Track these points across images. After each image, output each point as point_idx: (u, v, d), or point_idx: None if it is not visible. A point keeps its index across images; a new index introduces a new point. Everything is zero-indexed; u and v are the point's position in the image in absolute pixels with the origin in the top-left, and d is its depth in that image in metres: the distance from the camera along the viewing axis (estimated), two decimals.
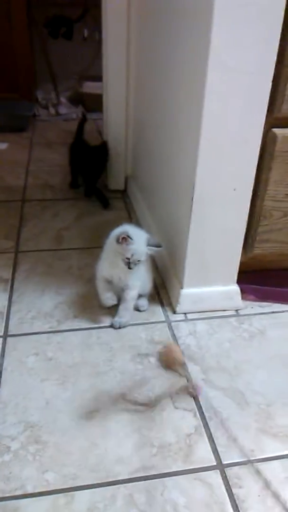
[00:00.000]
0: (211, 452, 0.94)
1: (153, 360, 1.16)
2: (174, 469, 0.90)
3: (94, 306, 1.33)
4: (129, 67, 1.75)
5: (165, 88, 1.37)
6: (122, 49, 1.71)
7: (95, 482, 0.87)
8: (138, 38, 1.66)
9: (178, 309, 1.30)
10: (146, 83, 1.62)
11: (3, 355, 1.15)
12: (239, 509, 0.84)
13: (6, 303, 1.33)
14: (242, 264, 1.29)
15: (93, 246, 1.61)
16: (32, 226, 1.74)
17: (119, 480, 0.88)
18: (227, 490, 0.87)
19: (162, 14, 1.33)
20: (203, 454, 0.94)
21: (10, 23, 2.71)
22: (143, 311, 1.32)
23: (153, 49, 1.48)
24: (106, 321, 1.28)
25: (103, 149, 1.89)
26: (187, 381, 1.09)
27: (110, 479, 0.88)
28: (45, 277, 1.46)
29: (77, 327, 1.26)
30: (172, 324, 1.28)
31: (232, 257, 1.27)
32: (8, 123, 2.65)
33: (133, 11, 1.64)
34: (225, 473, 0.90)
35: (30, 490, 0.86)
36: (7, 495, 0.85)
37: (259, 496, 0.86)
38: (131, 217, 1.84)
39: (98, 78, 2.97)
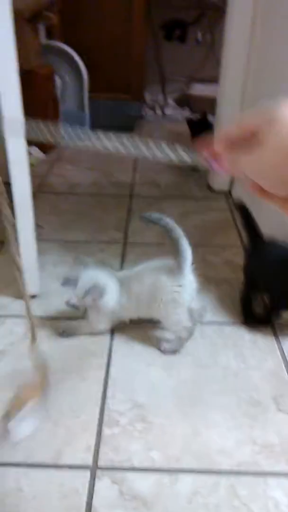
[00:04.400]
0: None
1: (254, 361, 1.16)
2: (277, 469, 0.90)
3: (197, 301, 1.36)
4: (248, 72, 1.76)
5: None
6: (243, 53, 1.72)
7: (198, 468, 0.91)
8: (261, 43, 1.66)
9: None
10: (265, 88, 1.61)
11: (112, 338, 1.23)
12: None
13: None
14: None
15: (198, 244, 1.65)
16: (139, 220, 1.82)
17: (221, 470, 0.90)
18: None
19: None
20: None
21: (130, 26, 2.84)
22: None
23: (279, 55, 1.47)
24: (210, 315, 1.31)
25: None
26: None
27: (213, 468, 0.90)
28: None
29: None
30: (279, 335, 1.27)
31: None
32: (118, 123, 2.79)
33: (258, 17, 1.64)
34: None
35: (136, 464, 0.92)
36: (116, 465, 0.92)
37: None
38: (235, 218, 1.84)
39: (207, 80, 3.02)
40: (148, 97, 3.22)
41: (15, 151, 1.18)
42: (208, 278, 1.46)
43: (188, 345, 1.20)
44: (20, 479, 0.88)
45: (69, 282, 1.17)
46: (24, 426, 0.91)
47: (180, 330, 1.19)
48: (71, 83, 2.61)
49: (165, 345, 1.19)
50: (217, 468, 0.90)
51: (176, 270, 1.15)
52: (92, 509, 0.84)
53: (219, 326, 1.28)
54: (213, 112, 2.09)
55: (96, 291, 1.13)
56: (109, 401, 1.05)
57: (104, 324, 1.23)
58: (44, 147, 2.36)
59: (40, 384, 0.95)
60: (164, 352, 1.18)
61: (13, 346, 1.20)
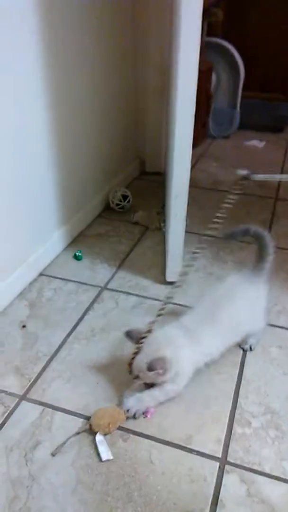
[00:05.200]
0: None
1: None
2: None
3: None
4: None
5: None
6: None
7: None
8: None
9: None
10: None
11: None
12: None
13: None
14: None
15: None
16: (284, 225, 1.76)
17: None
18: None
19: None
20: None
21: None
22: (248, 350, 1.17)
23: None
24: None
25: None
26: None
27: None
28: None
29: None
30: None
31: None
32: (268, 122, 2.71)
33: None
34: None
35: (267, 470, 0.89)
36: (246, 465, 0.90)
37: None
38: None
39: None
40: None
41: (180, 142, 1.21)
42: None
43: None
44: (152, 451, 0.92)
45: (130, 336, 1.03)
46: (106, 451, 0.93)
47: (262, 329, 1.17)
48: (226, 79, 2.60)
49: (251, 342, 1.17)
50: None
51: (257, 275, 1.12)
52: (219, 501, 0.84)
53: None
54: None
55: (159, 364, 0.95)
56: (241, 400, 1.04)
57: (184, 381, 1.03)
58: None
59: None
60: (250, 349, 1.17)
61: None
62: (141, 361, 0.97)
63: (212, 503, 0.84)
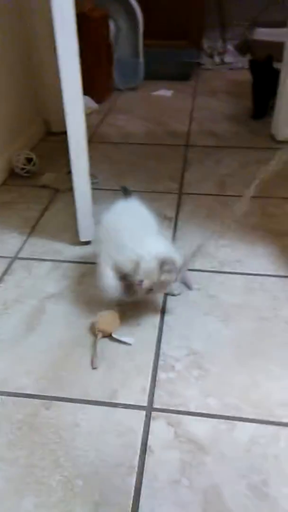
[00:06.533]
0: None
1: None
2: None
3: (258, 254, 1.29)
4: None
5: None
6: None
7: (257, 418, 0.87)
8: None
9: None
10: None
11: None
12: None
13: (169, 239, 1.37)
14: None
15: (259, 196, 1.55)
16: (196, 171, 1.74)
17: (282, 422, 0.86)
18: None
19: None
20: None
21: None
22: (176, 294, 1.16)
23: None
24: (271, 268, 1.24)
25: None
26: None
27: (274, 419, 0.86)
28: (208, 220, 1.45)
29: (240, 271, 1.24)
30: None
31: None
32: (174, 70, 2.65)
33: None
34: None
35: (192, 409, 0.89)
36: (171, 408, 0.90)
37: None
38: None
39: (271, 24, 2.77)
40: (206, 43, 3.03)
41: (71, 100, 1.12)
42: (269, 231, 1.38)
43: (248, 297, 1.15)
44: (77, 414, 0.89)
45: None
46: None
47: None
48: (125, 28, 2.48)
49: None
50: (278, 420, 0.86)
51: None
52: (148, 448, 0.83)
53: (280, 279, 1.21)
54: (278, 59, 1.91)
55: (170, 263, 0.99)
56: (164, 346, 1.02)
57: None
58: (97, 97, 2.29)
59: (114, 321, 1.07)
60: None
61: (69, 290, 1.20)
62: (149, 267, 0.98)
63: (141, 452, 0.83)
